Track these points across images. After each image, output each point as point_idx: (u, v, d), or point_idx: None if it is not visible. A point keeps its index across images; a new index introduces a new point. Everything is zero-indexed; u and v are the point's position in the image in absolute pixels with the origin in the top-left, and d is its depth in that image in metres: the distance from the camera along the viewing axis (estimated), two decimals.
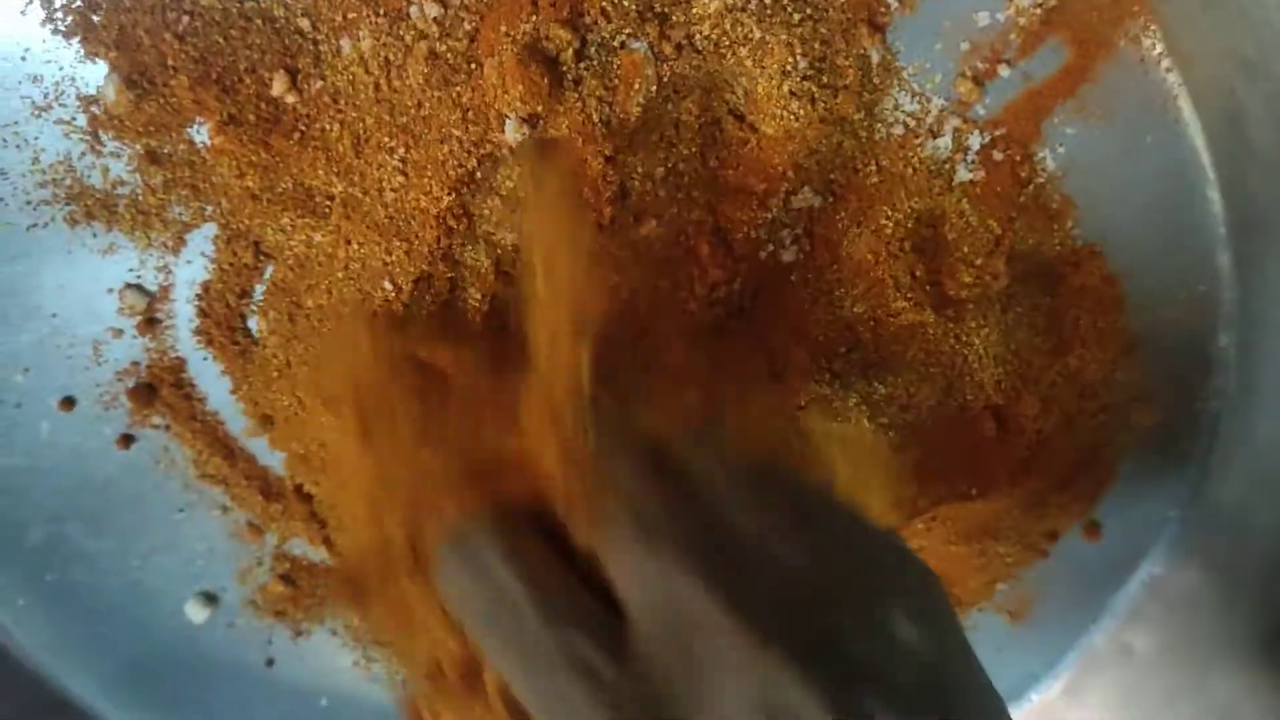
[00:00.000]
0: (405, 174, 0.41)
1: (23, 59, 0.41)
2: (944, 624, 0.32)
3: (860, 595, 0.30)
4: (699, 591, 0.28)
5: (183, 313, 0.46)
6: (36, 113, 0.42)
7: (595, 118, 0.40)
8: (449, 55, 0.40)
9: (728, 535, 0.30)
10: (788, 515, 0.31)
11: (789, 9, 0.41)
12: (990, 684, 0.32)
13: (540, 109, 0.40)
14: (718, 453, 0.32)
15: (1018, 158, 0.45)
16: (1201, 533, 0.52)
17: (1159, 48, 0.45)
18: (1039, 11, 0.44)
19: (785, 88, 0.42)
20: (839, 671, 0.28)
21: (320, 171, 0.42)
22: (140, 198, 0.43)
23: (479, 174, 0.42)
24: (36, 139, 0.42)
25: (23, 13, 0.40)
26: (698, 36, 0.41)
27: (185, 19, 0.40)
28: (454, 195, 0.41)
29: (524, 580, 0.30)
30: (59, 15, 0.40)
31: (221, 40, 0.41)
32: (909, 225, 0.44)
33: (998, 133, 0.45)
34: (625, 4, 0.40)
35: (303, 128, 0.42)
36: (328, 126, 0.42)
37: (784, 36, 0.41)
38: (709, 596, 0.28)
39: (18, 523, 0.48)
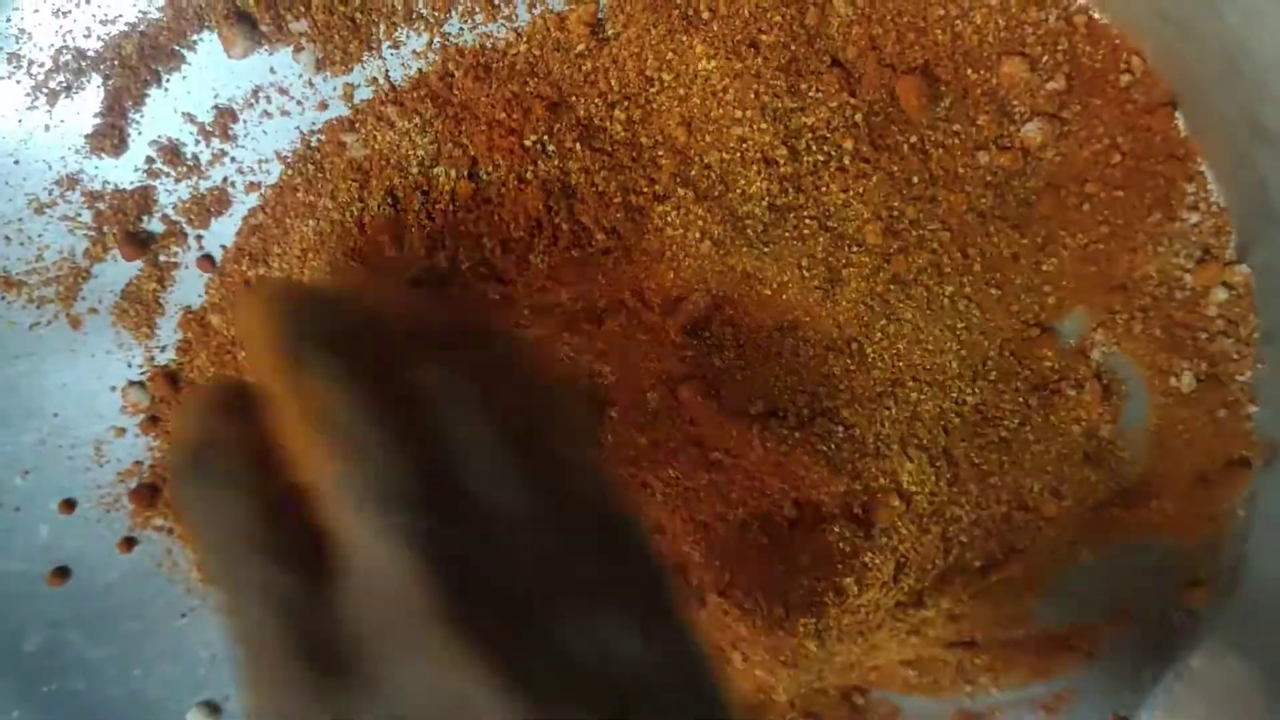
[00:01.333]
0: None
1: (26, 157, 0.40)
2: (672, 641, 0.29)
3: (587, 602, 0.28)
4: (419, 579, 0.26)
5: None
6: (40, 209, 0.41)
7: None
8: None
9: (471, 508, 0.28)
10: (543, 500, 0.29)
11: None
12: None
13: None
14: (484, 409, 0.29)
15: None
16: (1239, 622, 0.51)
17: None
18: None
19: None
20: (540, 685, 0.25)
21: None
22: (144, 292, 0.42)
23: None
24: (40, 236, 0.41)
25: (30, 108, 0.39)
26: None
27: None
28: None
29: (246, 510, 0.29)
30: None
31: None
32: None
33: None
34: None
35: None
36: None
37: None
38: (426, 588, 0.26)
39: (15, 630, 0.46)
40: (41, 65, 0.38)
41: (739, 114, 0.39)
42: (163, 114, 0.40)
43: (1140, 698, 0.52)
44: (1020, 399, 0.45)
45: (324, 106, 0.40)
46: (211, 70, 0.39)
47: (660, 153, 0.39)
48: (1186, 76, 0.42)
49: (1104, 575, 0.50)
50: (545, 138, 0.39)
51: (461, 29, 0.39)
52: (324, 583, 0.27)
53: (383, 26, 0.39)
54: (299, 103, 0.40)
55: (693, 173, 0.40)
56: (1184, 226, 0.44)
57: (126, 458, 0.45)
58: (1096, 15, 0.41)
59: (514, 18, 0.39)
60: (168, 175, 0.41)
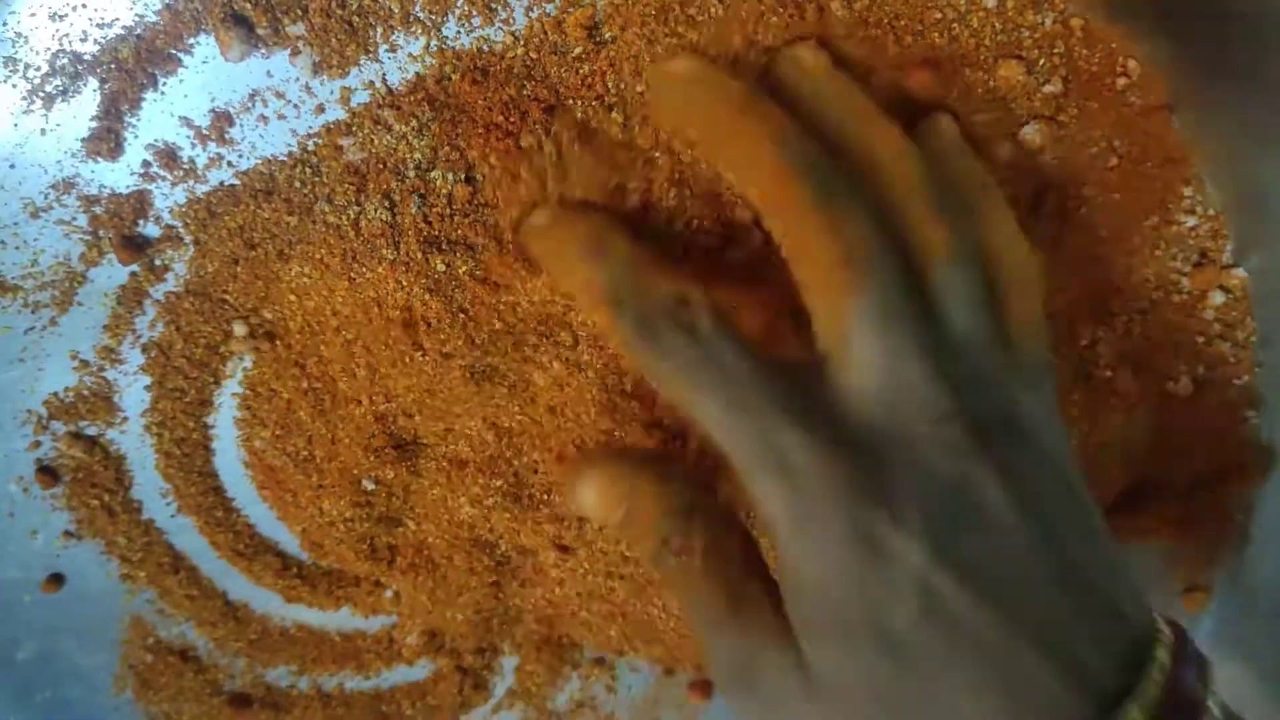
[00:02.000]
0: None
1: (21, 161, 0.40)
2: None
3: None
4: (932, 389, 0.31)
5: None
6: (35, 214, 0.40)
7: None
8: None
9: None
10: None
11: None
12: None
13: None
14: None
15: None
16: (1240, 628, 0.51)
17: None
18: None
19: None
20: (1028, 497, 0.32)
21: None
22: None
23: None
24: (36, 240, 0.41)
25: (25, 111, 0.39)
26: None
27: None
28: None
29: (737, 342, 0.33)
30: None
31: None
32: None
33: None
34: None
35: None
36: None
37: None
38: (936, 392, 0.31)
39: (8, 639, 0.46)
40: (38, 69, 0.38)
41: None
42: (159, 118, 0.39)
43: None
44: None
45: (320, 110, 0.40)
46: (208, 74, 0.39)
47: (657, 154, 0.39)
48: (1184, 79, 0.42)
49: None
50: (542, 139, 0.39)
51: (458, 32, 0.39)
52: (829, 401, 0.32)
53: (380, 30, 0.39)
54: (295, 106, 0.40)
55: (688, 175, 0.40)
56: (1181, 230, 0.44)
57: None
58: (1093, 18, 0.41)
59: (511, 21, 0.39)
60: (164, 179, 0.40)
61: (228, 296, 0.42)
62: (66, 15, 0.38)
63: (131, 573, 0.46)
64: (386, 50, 0.39)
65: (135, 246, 0.41)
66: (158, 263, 0.42)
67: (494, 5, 0.39)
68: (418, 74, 0.39)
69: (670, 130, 0.38)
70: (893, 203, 0.33)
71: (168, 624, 0.47)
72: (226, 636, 0.47)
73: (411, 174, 0.40)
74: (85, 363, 0.43)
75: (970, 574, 0.30)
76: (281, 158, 0.40)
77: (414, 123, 0.39)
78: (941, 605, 0.30)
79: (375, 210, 0.40)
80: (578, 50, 0.39)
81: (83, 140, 0.39)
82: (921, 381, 0.31)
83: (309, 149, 0.40)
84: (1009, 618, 0.30)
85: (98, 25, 0.38)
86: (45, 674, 0.46)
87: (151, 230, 0.41)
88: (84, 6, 0.37)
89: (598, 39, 0.39)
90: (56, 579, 0.45)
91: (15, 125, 0.39)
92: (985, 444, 0.31)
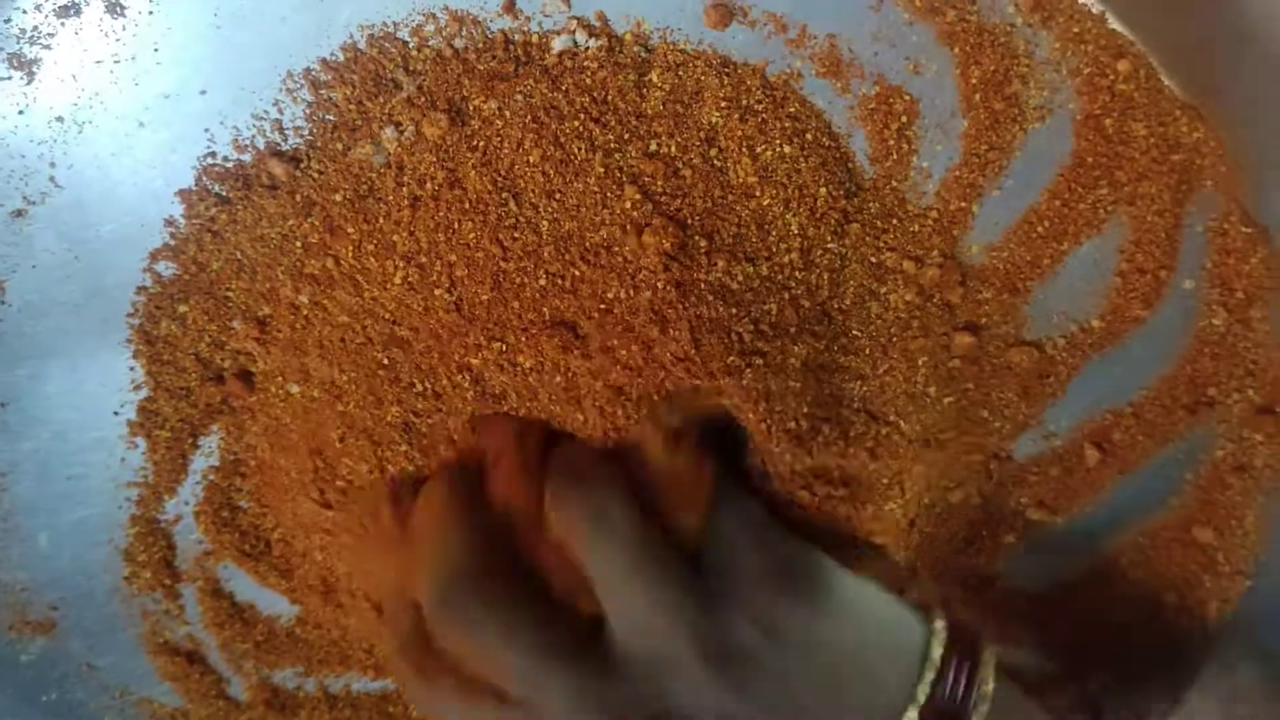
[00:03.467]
0: None
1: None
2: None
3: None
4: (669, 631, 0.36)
5: None
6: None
7: None
8: None
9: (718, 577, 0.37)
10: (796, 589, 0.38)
11: None
12: None
13: None
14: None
15: None
16: (1255, 629, 0.50)
17: None
18: None
19: None
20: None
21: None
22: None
23: None
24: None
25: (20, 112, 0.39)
26: None
27: None
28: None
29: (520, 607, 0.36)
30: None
31: None
32: None
33: None
34: None
35: None
36: None
37: None
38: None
39: (14, 639, 0.46)
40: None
41: None
42: None
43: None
44: None
45: None
46: None
47: None
48: (1201, 76, 0.42)
49: None
50: None
51: None
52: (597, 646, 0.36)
53: None
54: None
55: None
56: None
57: (126, 466, 0.44)
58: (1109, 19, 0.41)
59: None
60: None
61: None
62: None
63: (137, 573, 0.46)
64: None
65: None
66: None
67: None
68: None
69: None
70: None
71: (174, 625, 0.47)
72: (234, 638, 0.47)
73: None
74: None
75: None
76: None
77: None
78: None
79: None
80: None
81: None
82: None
83: None
84: None
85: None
86: (51, 676, 0.46)
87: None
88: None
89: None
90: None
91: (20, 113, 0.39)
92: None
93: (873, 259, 0.43)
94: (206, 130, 0.40)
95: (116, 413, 0.43)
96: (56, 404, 0.43)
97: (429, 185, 0.40)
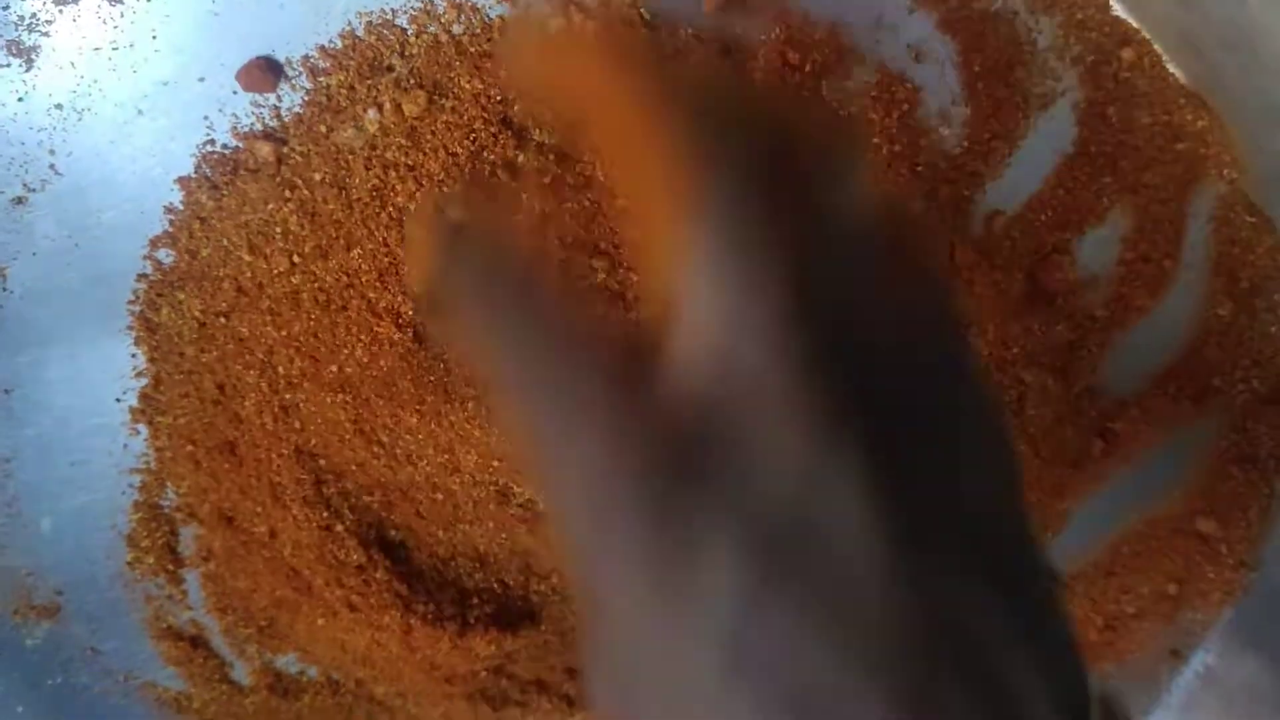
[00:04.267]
0: None
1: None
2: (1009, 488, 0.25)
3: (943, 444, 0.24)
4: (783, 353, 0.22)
5: None
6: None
7: None
8: None
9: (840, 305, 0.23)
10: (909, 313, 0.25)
11: None
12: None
13: None
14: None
15: None
16: (1257, 622, 0.50)
17: None
18: None
19: None
20: (904, 515, 0.22)
21: None
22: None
23: None
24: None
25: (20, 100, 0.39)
26: None
27: None
28: None
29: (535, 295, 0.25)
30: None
31: None
32: None
33: None
34: None
35: None
36: None
37: None
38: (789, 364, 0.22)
39: (18, 624, 0.46)
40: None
41: None
42: None
43: (1157, 696, 0.52)
44: None
45: None
46: None
47: None
48: (1206, 64, 0.42)
49: None
50: None
51: None
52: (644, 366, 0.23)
53: None
54: None
55: None
56: None
57: (129, 452, 0.45)
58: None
59: None
60: None
61: None
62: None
63: (140, 559, 0.46)
64: None
65: None
66: None
67: None
68: None
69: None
70: None
71: (177, 610, 0.47)
72: (236, 623, 0.47)
73: None
74: None
75: (799, 636, 0.21)
76: None
77: None
78: (754, 671, 0.22)
79: None
80: None
81: None
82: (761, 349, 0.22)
83: None
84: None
85: None
86: (55, 660, 0.47)
87: None
88: None
89: None
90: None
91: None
92: (847, 437, 0.22)
93: None
94: (205, 118, 0.40)
95: (119, 399, 0.43)
96: (58, 390, 0.43)
97: (393, 173, 0.40)
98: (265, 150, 0.40)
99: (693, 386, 0.22)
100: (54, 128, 0.39)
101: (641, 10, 0.40)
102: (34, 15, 0.37)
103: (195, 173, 0.40)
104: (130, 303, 0.42)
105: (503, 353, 0.25)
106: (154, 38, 0.38)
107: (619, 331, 0.25)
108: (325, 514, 0.44)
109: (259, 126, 0.40)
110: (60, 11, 0.37)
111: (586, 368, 0.24)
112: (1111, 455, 0.48)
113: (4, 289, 0.41)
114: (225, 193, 0.41)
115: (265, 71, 0.39)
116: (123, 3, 0.38)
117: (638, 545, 0.22)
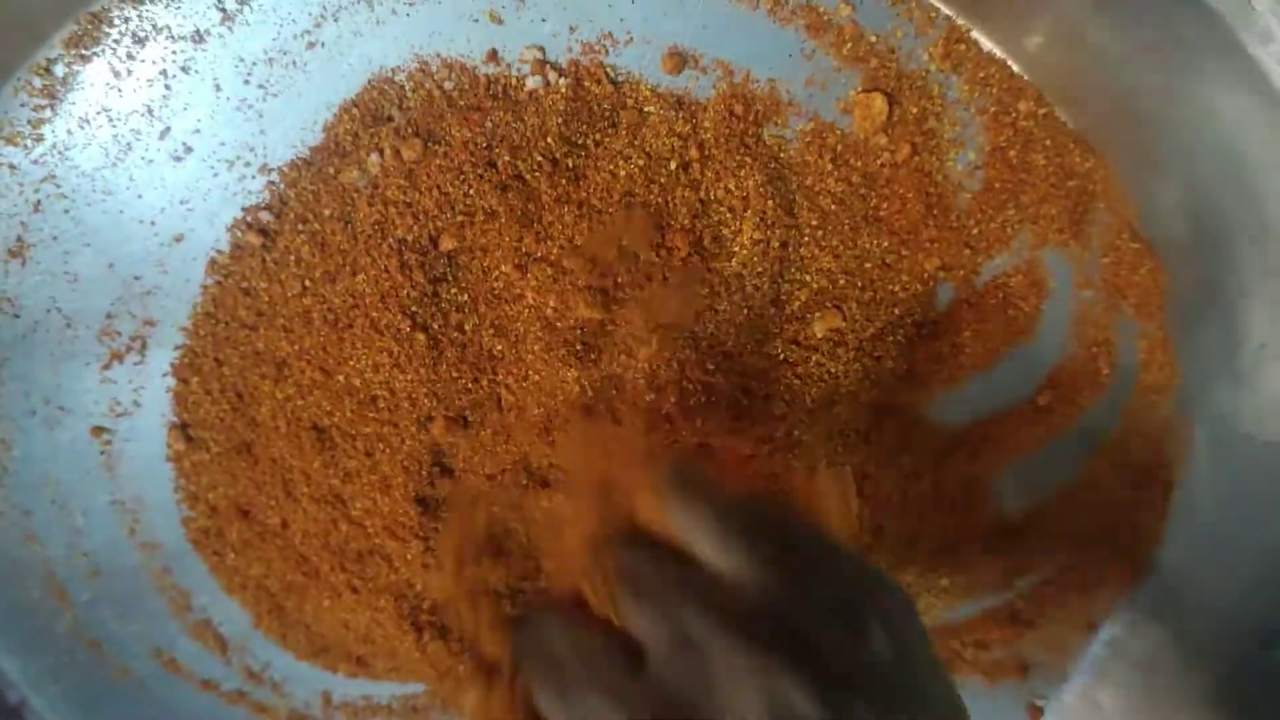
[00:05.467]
0: None
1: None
2: (914, 637, 0.37)
3: (838, 612, 0.36)
4: (696, 619, 0.35)
5: None
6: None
7: None
8: None
9: (712, 575, 0.37)
10: (770, 547, 0.37)
11: None
12: (955, 693, 0.37)
13: None
14: (705, 503, 0.38)
15: None
16: (1156, 596, 0.56)
17: None
18: None
19: None
20: (828, 677, 0.33)
21: None
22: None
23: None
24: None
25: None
26: None
27: None
28: None
29: (568, 640, 0.38)
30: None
31: None
32: None
33: None
34: None
35: None
36: None
37: None
38: (703, 621, 0.35)
39: (49, 610, 0.51)
40: None
41: None
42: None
43: (1066, 669, 0.57)
44: None
45: None
46: None
47: None
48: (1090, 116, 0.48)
49: None
50: None
51: None
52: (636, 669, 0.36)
53: None
54: None
55: None
56: None
57: (155, 455, 0.50)
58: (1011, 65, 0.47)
59: None
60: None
61: None
62: None
63: (154, 540, 0.51)
64: None
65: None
66: None
67: None
68: None
69: None
70: None
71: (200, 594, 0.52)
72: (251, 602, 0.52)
73: None
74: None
75: None
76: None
77: None
78: None
79: None
80: None
81: None
82: None
83: None
84: None
85: None
86: (83, 643, 0.51)
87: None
88: None
89: None
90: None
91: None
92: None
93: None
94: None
95: (141, 404, 0.49)
96: (92, 398, 0.49)
97: (393, 209, 0.46)
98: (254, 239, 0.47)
99: (660, 663, 0.35)
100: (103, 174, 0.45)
101: (607, 70, 0.46)
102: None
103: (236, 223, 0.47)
104: (159, 322, 0.48)
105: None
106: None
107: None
108: (331, 508, 0.50)
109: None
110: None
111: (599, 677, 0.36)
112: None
113: (48, 310, 0.47)
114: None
115: None
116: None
117: None
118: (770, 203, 0.47)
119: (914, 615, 0.38)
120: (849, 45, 0.47)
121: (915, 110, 0.48)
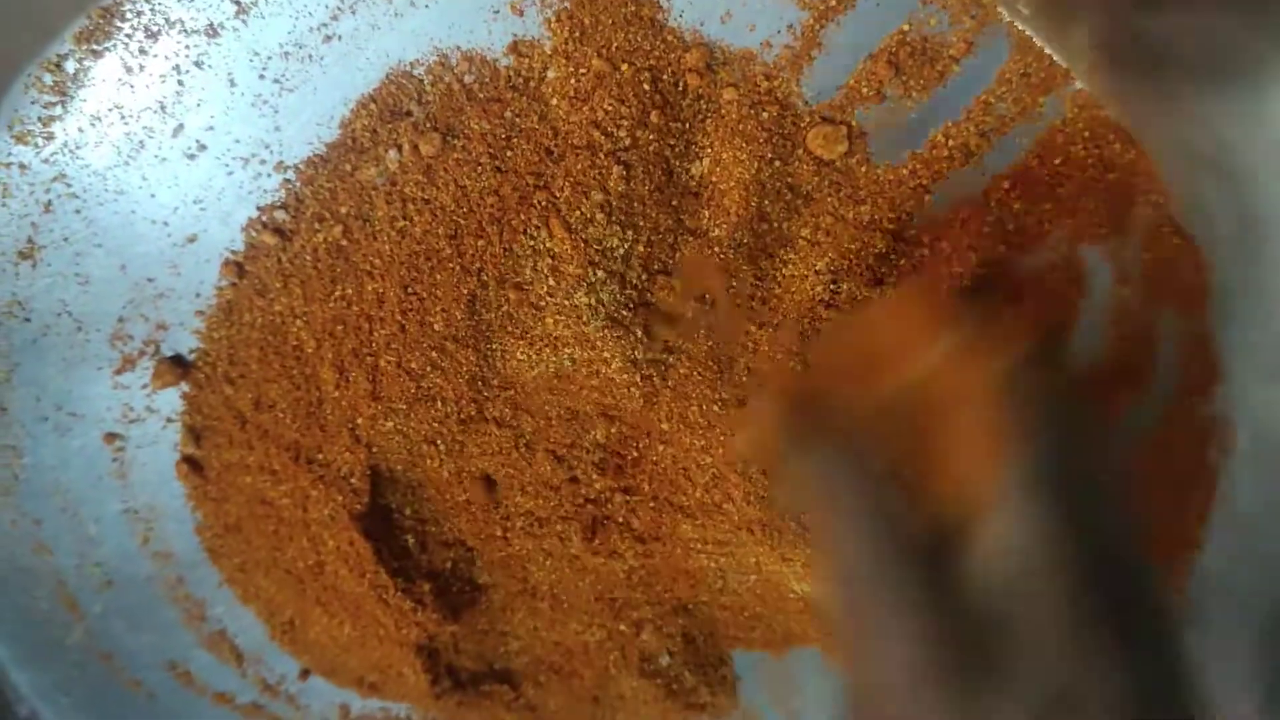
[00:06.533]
0: None
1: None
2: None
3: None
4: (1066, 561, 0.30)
5: None
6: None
7: None
8: None
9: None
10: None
11: None
12: None
13: None
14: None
15: None
16: (1195, 599, 0.54)
17: None
18: None
19: None
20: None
21: None
22: None
23: None
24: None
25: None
26: None
27: None
28: None
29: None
30: None
31: None
32: None
33: None
34: None
35: None
36: None
37: None
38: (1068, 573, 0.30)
39: (60, 623, 0.50)
40: None
41: None
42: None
43: None
44: None
45: None
46: None
47: None
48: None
49: None
50: None
51: None
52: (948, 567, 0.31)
53: None
54: None
55: None
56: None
57: (166, 463, 0.49)
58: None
59: None
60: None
61: None
62: None
63: (167, 550, 0.50)
64: None
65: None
66: None
67: None
68: None
69: None
70: None
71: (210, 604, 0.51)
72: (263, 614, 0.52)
73: None
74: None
75: None
76: None
77: None
78: None
79: None
80: None
81: None
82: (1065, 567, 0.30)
83: None
84: None
85: None
86: (94, 655, 0.51)
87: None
88: None
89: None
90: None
91: None
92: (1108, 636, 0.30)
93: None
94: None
95: (153, 410, 0.48)
96: (103, 405, 0.48)
97: (411, 206, 0.44)
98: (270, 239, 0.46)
99: (989, 581, 0.30)
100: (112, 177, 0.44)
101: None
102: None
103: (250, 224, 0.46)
104: (171, 326, 0.47)
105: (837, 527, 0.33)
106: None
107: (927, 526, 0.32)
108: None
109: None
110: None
111: (904, 556, 0.31)
112: None
113: (58, 313, 0.46)
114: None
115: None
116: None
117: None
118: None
119: None
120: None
121: None
